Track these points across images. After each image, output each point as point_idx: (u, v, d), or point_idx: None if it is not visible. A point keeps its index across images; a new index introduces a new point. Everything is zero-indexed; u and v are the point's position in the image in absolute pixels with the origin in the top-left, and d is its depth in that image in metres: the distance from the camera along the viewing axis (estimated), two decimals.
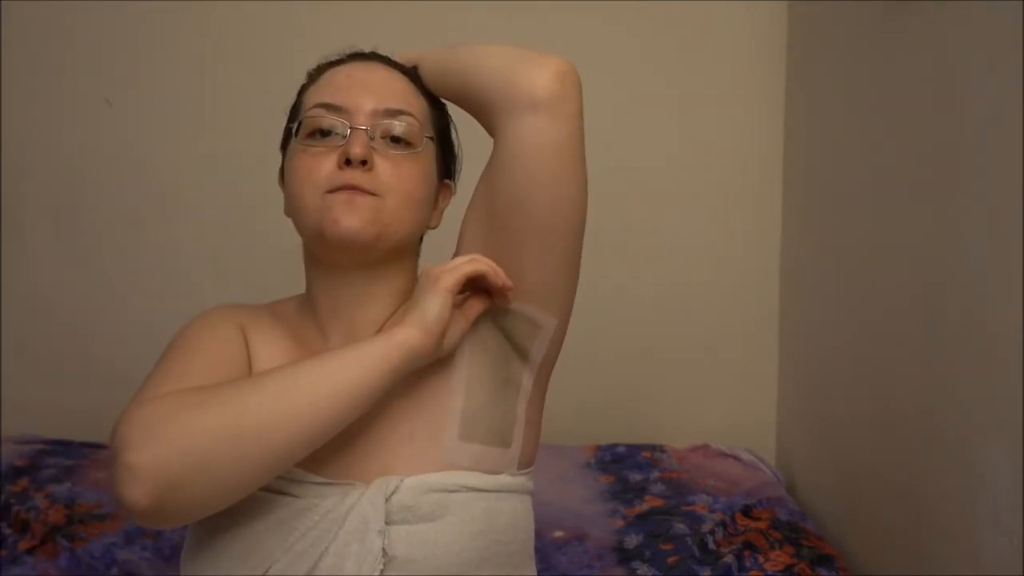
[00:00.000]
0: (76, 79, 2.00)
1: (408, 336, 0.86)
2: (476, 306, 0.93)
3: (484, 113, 0.93)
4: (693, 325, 2.05)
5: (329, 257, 0.94)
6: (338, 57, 1.00)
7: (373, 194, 0.91)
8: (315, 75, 0.99)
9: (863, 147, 1.58)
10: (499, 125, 0.90)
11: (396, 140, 0.93)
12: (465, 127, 1.02)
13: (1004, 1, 1.10)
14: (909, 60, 1.38)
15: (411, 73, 0.99)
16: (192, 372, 0.87)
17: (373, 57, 1.00)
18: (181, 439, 0.77)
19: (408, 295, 0.99)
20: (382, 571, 0.84)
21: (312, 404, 0.82)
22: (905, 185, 1.40)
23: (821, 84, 1.80)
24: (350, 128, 0.92)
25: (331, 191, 0.90)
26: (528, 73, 0.88)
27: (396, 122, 0.93)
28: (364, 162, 0.90)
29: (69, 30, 1.98)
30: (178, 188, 2.02)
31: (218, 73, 1.99)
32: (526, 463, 0.97)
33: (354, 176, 0.90)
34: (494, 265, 0.90)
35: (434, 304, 0.87)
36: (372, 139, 0.92)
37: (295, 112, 0.98)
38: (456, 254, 0.97)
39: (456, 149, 1.05)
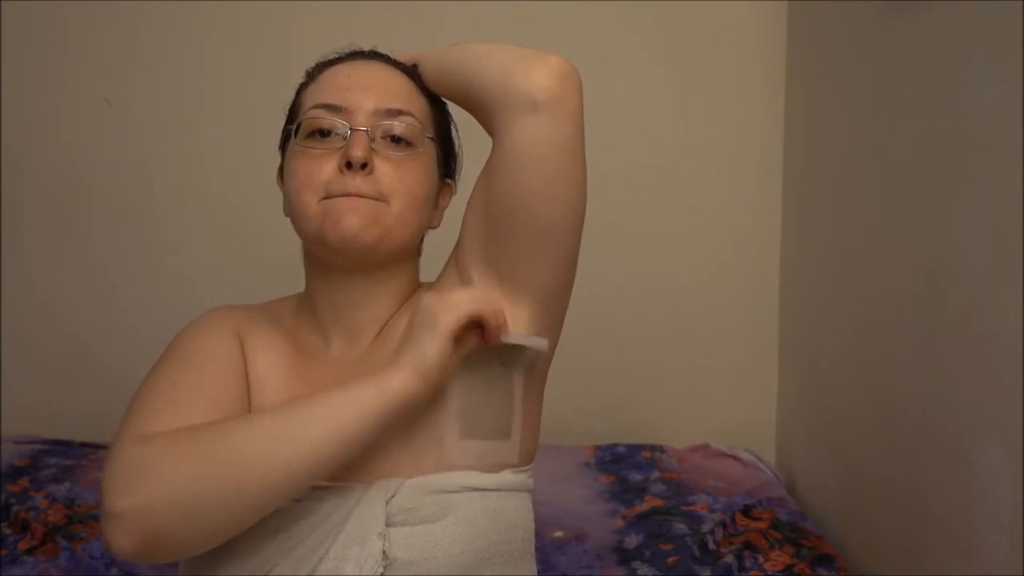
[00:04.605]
0: (76, 79, 2.00)
1: (405, 386, 0.83)
2: (470, 342, 0.89)
3: (483, 113, 0.92)
4: (693, 325, 2.05)
5: (330, 260, 0.94)
6: (337, 56, 0.99)
7: (375, 199, 0.90)
8: (314, 74, 0.99)
9: (863, 147, 1.58)
10: (498, 125, 0.89)
11: (397, 140, 0.93)
12: (466, 126, 1.02)
13: (1004, 1, 1.10)
14: (909, 60, 1.38)
15: (411, 72, 0.98)
16: (186, 396, 0.87)
17: (373, 56, 0.99)
18: (166, 488, 0.78)
19: (409, 295, 0.99)
20: (383, 573, 0.84)
21: (301, 455, 0.81)
22: (905, 185, 1.40)
23: (821, 84, 1.80)
24: (350, 129, 0.91)
25: (331, 197, 0.90)
26: (527, 73, 0.87)
27: (396, 122, 0.93)
28: (364, 165, 0.90)
29: (69, 30, 1.99)
30: (178, 188, 2.02)
31: (218, 73, 1.99)
32: (526, 459, 0.97)
33: (355, 183, 0.89)
34: (495, 305, 0.87)
35: (432, 349, 0.84)
36: (373, 140, 0.91)
37: (294, 112, 0.98)
38: (455, 253, 0.97)
39: (457, 148, 1.04)
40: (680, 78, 2.00)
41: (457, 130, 1.04)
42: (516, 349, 0.92)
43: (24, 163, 2.01)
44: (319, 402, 0.83)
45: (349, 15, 1.91)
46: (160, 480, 0.78)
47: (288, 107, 1.00)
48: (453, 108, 1.02)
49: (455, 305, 0.85)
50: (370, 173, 0.90)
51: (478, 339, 0.88)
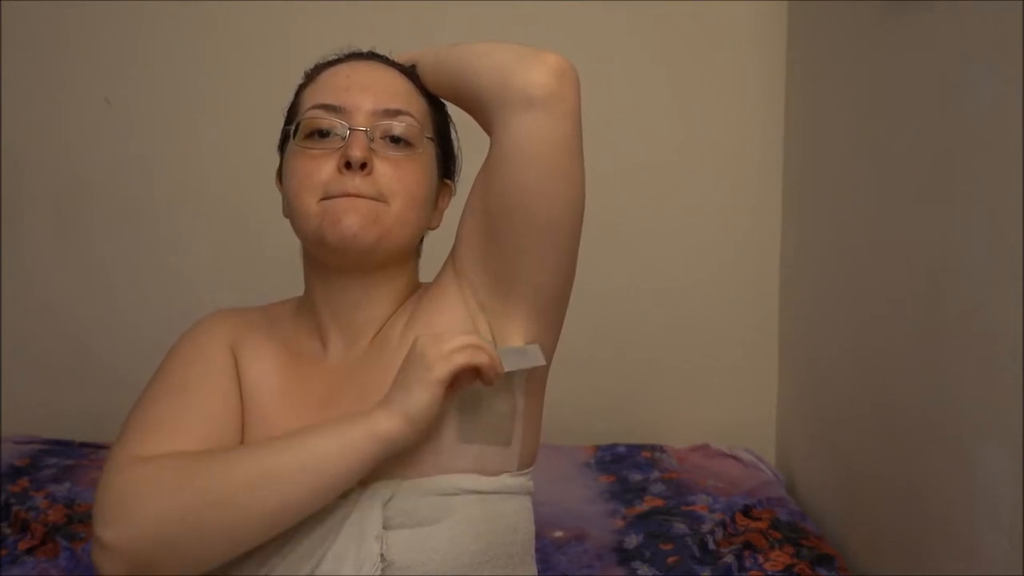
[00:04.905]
0: (76, 79, 2.00)
1: (392, 430, 0.83)
2: (464, 384, 0.88)
3: (480, 111, 0.92)
4: (693, 325, 2.05)
5: (329, 260, 0.94)
6: (336, 57, 0.99)
7: (374, 199, 0.90)
8: (313, 75, 0.98)
9: (863, 147, 1.58)
10: (495, 123, 0.89)
11: (396, 140, 0.93)
12: (465, 128, 1.02)
13: (1004, 1, 1.10)
14: (909, 60, 1.38)
15: (410, 72, 0.98)
16: (179, 417, 0.89)
17: (371, 57, 0.99)
18: (153, 523, 0.80)
19: (408, 296, 0.98)
20: (381, 575, 0.84)
21: (286, 496, 0.82)
22: (905, 185, 1.40)
23: (821, 84, 1.80)
24: (349, 129, 0.91)
25: (330, 198, 0.90)
26: (524, 70, 0.86)
27: (395, 122, 0.92)
28: (363, 165, 0.89)
29: (69, 30, 1.99)
30: (178, 188, 2.02)
31: (218, 73, 1.99)
32: (527, 463, 0.97)
33: (354, 184, 0.89)
34: (491, 352, 0.87)
35: (423, 397, 0.83)
36: (372, 140, 0.91)
37: (292, 113, 0.98)
38: (452, 257, 0.97)
39: (456, 149, 1.04)
40: (680, 78, 2.00)
41: (456, 131, 1.04)
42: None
43: (24, 163, 2.01)
44: (307, 441, 0.84)
45: (349, 15, 1.90)
46: (146, 514, 0.80)
47: (287, 108, 1.00)
48: (453, 110, 1.02)
49: (448, 352, 0.84)
50: (369, 173, 0.90)
51: (471, 380, 0.88)
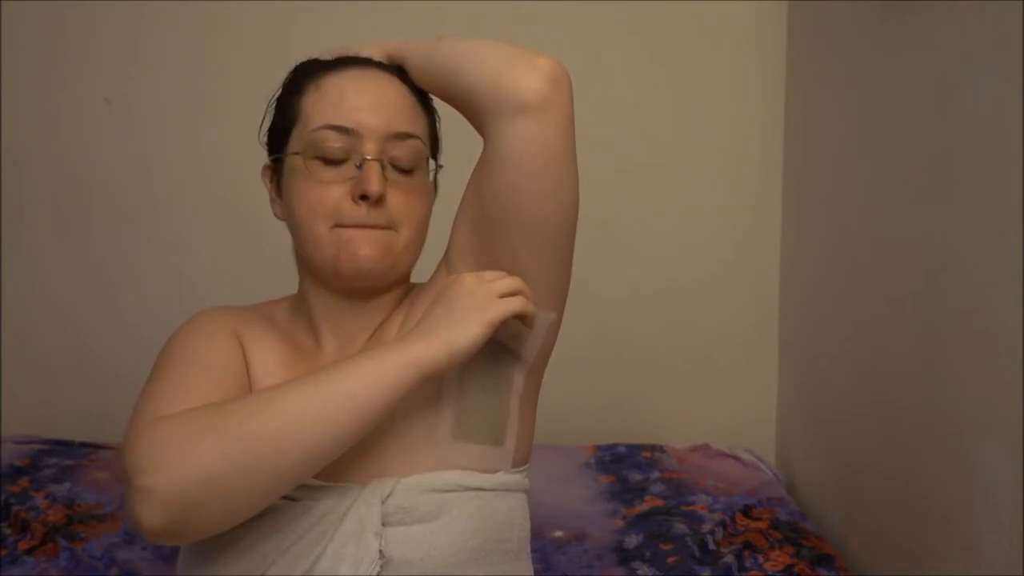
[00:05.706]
0: (76, 79, 2.00)
1: (435, 359, 0.84)
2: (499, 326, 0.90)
3: (471, 112, 0.91)
4: (693, 325, 2.05)
5: (337, 286, 0.94)
6: (331, 59, 0.97)
7: (385, 228, 0.91)
8: (312, 78, 0.95)
9: (863, 147, 1.58)
10: (487, 127, 0.88)
11: (404, 166, 0.92)
12: (458, 125, 1.01)
13: (1004, 1, 1.10)
14: (909, 60, 1.38)
15: (409, 82, 0.96)
16: (195, 385, 0.86)
17: (368, 64, 0.96)
18: (194, 465, 0.76)
19: (402, 299, 0.99)
20: (379, 573, 0.84)
21: (324, 426, 0.80)
22: (905, 185, 1.40)
23: (821, 84, 1.80)
24: (364, 158, 0.90)
25: (343, 226, 0.90)
26: (516, 76, 0.85)
27: (406, 147, 0.92)
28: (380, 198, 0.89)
29: (69, 30, 1.98)
30: (178, 188, 2.02)
31: (218, 73, 1.99)
32: (521, 461, 0.97)
33: (369, 215, 0.90)
34: (531, 295, 0.89)
35: (473, 333, 0.85)
36: (383, 168, 0.90)
37: (292, 117, 0.95)
38: (447, 256, 0.97)
39: (438, 138, 1.03)
40: (680, 78, 2.00)
41: (439, 118, 1.02)
42: (512, 336, 0.93)
43: (24, 163, 2.01)
44: (342, 371, 0.83)
45: (349, 15, 1.90)
46: (187, 455, 0.77)
47: (274, 99, 0.98)
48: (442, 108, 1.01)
49: (502, 300, 0.87)
50: (382, 204, 0.90)
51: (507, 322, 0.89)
